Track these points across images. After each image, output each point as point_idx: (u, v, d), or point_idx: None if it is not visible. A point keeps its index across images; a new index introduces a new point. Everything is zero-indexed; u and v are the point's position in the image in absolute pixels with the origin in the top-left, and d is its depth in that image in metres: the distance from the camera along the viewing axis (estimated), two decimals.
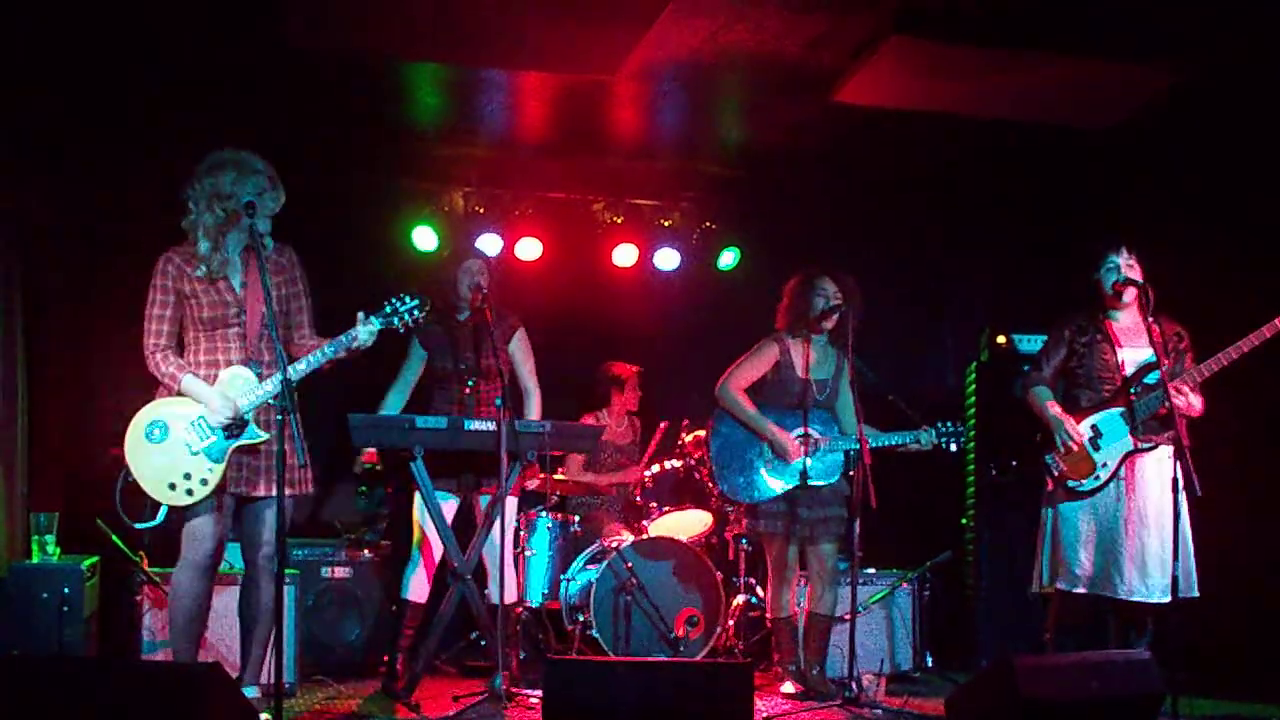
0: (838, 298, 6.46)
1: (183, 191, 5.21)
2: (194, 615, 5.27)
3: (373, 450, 6.91)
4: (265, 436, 5.16)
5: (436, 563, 6.38)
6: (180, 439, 5.12)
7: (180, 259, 5.23)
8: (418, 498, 6.26)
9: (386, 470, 7.30)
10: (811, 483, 6.39)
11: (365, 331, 5.22)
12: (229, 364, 5.19)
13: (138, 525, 5.19)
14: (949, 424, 6.44)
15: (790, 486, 6.41)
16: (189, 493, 5.10)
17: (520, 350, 6.63)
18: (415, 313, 5.31)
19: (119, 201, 7.10)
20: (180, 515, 5.18)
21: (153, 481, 5.11)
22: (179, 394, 5.17)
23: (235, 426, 5.11)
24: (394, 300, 5.32)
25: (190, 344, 5.27)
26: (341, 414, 5.86)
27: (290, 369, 5.10)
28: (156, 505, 5.12)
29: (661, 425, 7.74)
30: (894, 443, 6.41)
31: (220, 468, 5.12)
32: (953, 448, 6.46)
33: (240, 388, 5.14)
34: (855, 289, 6.50)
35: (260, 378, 5.17)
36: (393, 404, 6.53)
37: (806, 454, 6.39)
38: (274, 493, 5.12)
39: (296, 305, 5.41)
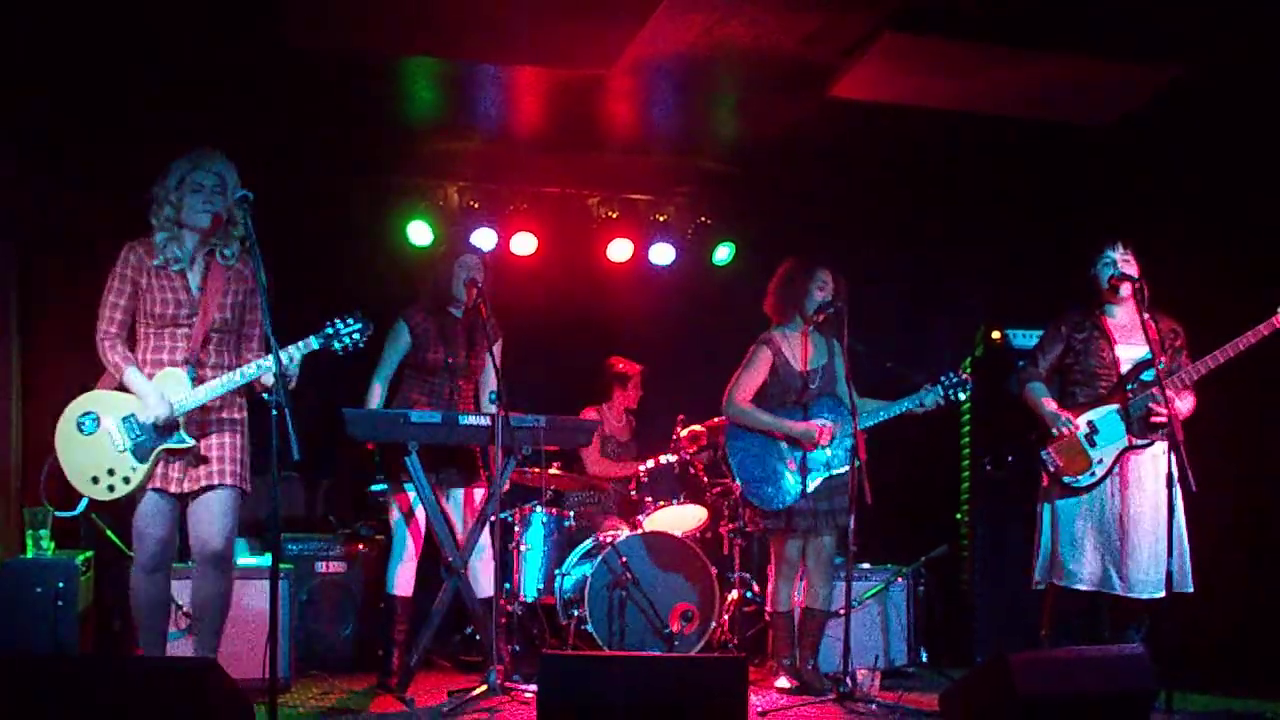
0: (833, 294, 6.44)
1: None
2: (150, 613, 5.25)
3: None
4: (191, 443, 5.08)
5: (419, 556, 6.38)
6: (108, 434, 5.07)
7: (143, 249, 5.19)
8: (404, 491, 6.29)
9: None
10: (835, 471, 6.37)
11: (286, 356, 4.98)
12: (172, 364, 5.13)
13: (58, 514, 5.20)
14: (951, 375, 6.37)
15: (819, 480, 6.37)
16: (110, 489, 5.06)
17: (495, 358, 6.57)
18: (355, 336, 5.11)
19: (117, 200, 7.07)
20: (128, 512, 5.18)
21: (76, 473, 5.07)
22: (119, 386, 5.13)
23: (165, 428, 5.06)
24: (336, 321, 5.13)
25: (140, 339, 5.21)
26: (329, 406, 5.86)
27: (202, 389, 5.07)
28: (80, 495, 5.11)
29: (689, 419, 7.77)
30: (904, 409, 6.35)
31: (144, 468, 5.05)
32: (961, 397, 6.41)
33: (172, 389, 5.07)
34: (845, 287, 6.49)
35: (195, 381, 5.10)
36: (378, 392, 6.45)
37: (829, 440, 6.39)
38: (213, 482, 5.12)
39: (253, 317, 5.28)
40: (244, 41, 6.32)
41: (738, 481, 6.52)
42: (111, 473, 5.05)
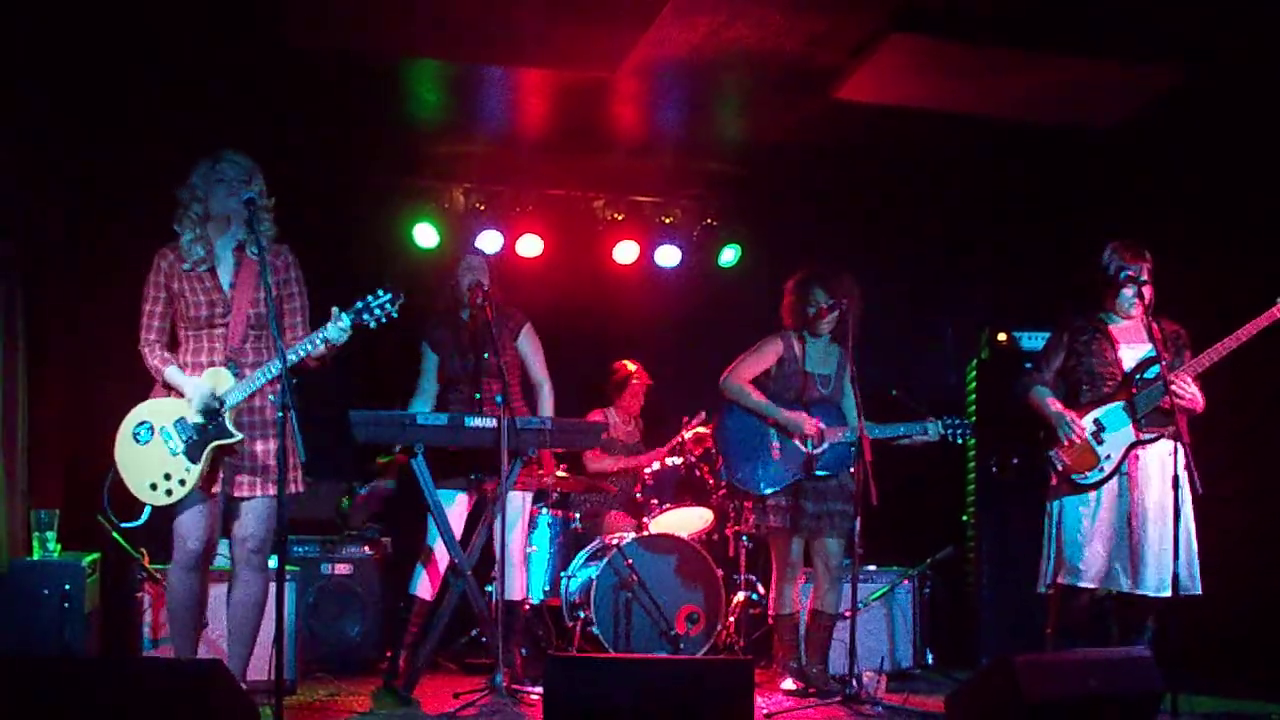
0: (833, 297, 6.44)
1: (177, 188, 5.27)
2: (185, 612, 5.31)
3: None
4: (239, 436, 5.14)
5: (448, 561, 6.37)
6: (162, 439, 5.15)
7: (173, 255, 5.27)
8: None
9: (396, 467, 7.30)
10: (818, 473, 6.37)
11: (335, 329, 5.09)
12: (212, 365, 5.19)
13: (123, 525, 5.24)
14: (956, 419, 6.44)
15: (799, 476, 6.39)
16: (168, 493, 5.13)
17: (529, 345, 6.57)
18: (388, 307, 5.11)
19: (118, 200, 7.10)
20: (167, 515, 5.22)
21: (136, 481, 5.16)
22: (165, 387, 5.21)
23: (212, 426, 5.11)
24: (367, 296, 5.14)
25: (181, 342, 5.30)
26: (340, 412, 5.86)
27: (253, 375, 5.12)
28: (143, 505, 5.17)
29: (693, 418, 7.78)
30: (901, 433, 6.38)
31: (197, 468, 5.11)
32: (960, 440, 6.47)
33: (219, 386, 5.14)
34: (852, 286, 6.47)
35: (239, 378, 5.16)
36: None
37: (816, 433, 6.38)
38: (258, 492, 5.20)
39: (289, 307, 5.35)
40: (244, 41, 6.33)
41: (721, 459, 6.56)
42: (168, 477, 5.13)
